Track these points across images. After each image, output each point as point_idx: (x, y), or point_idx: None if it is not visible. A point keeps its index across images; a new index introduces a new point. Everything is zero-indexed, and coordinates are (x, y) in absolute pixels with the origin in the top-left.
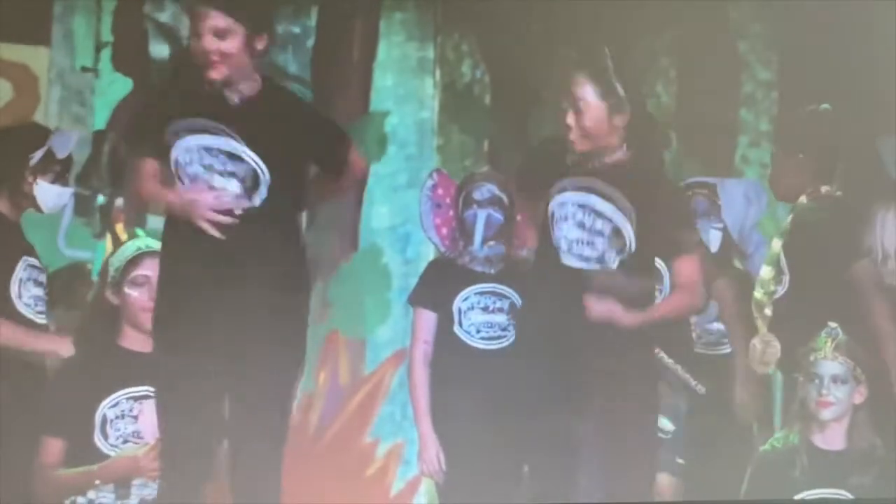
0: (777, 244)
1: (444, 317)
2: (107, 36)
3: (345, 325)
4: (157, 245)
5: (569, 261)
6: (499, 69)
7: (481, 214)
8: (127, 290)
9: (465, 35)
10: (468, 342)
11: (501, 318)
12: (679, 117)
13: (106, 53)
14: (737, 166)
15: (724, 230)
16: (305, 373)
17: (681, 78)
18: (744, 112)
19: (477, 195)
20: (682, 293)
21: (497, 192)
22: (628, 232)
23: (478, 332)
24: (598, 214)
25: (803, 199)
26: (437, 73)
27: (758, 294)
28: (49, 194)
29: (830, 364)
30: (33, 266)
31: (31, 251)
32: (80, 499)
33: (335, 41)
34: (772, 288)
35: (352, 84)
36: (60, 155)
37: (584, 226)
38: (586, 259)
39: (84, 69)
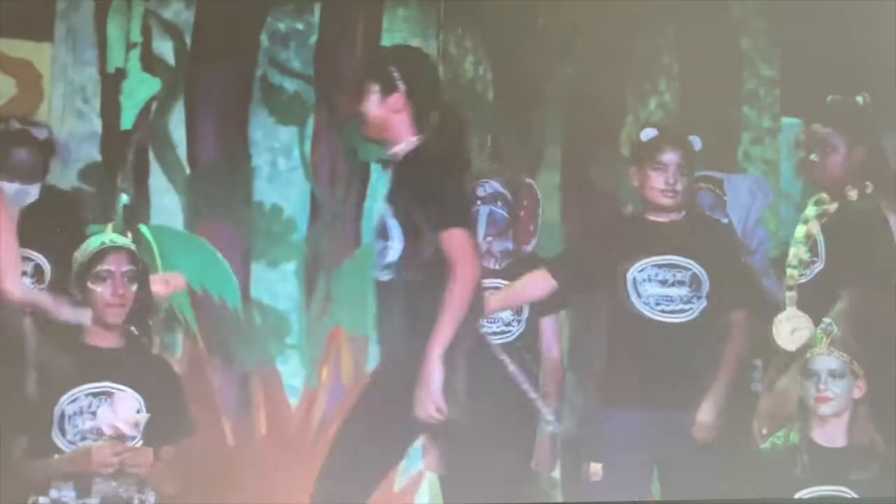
0: (815, 226)
1: None
2: (136, 37)
3: (347, 322)
4: (120, 240)
5: None
6: (501, 66)
7: (483, 210)
8: (90, 284)
9: (467, 31)
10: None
11: (505, 314)
12: (681, 114)
13: (135, 54)
14: (739, 163)
15: (730, 225)
16: (308, 369)
17: (683, 75)
18: (746, 109)
19: (480, 191)
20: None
21: (500, 188)
22: None
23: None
24: None
25: (853, 192)
26: (440, 69)
27: (789, 271)
28: (15, 197)
29: (827, 359)
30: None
31: None
32: (41, 498)
33: (338, 38)
34: (804, 269)
35: (354, 81)
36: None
37: None
38: None
39: (118, 70)
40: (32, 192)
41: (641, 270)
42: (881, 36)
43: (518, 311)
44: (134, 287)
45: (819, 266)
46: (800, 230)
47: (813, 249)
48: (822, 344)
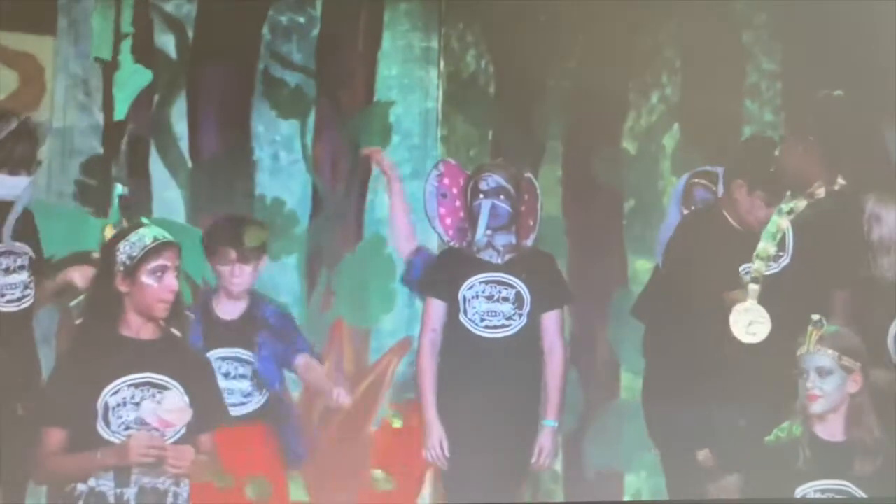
0: (785, 221)
1: (452, 305)
2: (127, 28)
3: (349, 314)
4: (169, 236)
5: None
6: (503, 59)
7: (486, 204)
8: (144, 279)
9: (469, 25)
10: (472, 330)
11: (507, 308)
12: (683, 108)
13: (126, 45)
14: None
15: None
16: None
17: (685, 69)
18: (748, 103)
19: (483, 185)
20: None
21: (504, 182)
22: None
23: (482, 320)
24: None
25: (821, 190)
26: (442, 63)
27: (756, 264)
28: (27, 190)
29: (815, 357)
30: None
31: None
32: (80, 486)
33: (340, 31)
34: (770, 263)
35: (356, 74)
36: None
37: None
38: None
39: (97, 59)
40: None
41: None
42: (883, 30)
43: (520, 306)
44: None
45: (786, 261)
46: (772, 224)
47: (781, 244)
48: (810, 341)
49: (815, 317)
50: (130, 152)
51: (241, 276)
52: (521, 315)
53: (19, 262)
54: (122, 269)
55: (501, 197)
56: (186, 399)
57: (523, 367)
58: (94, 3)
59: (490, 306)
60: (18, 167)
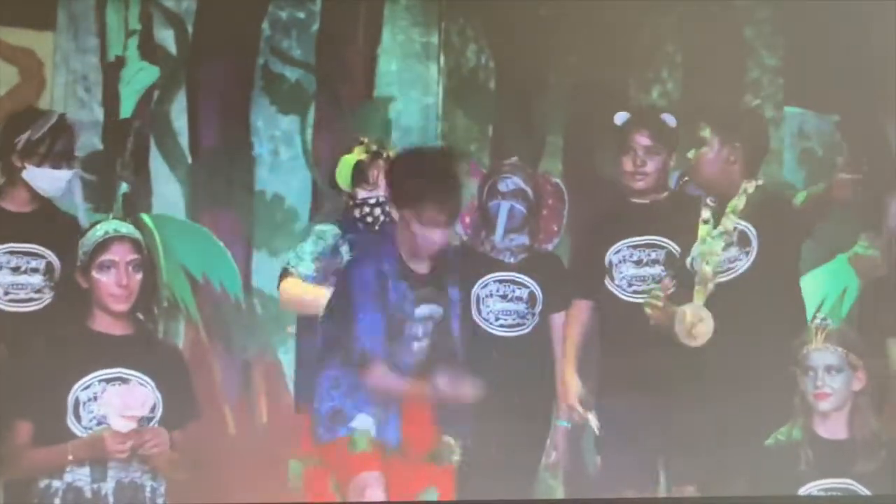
0: (730, 221)
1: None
2: (134, 24)
3: None
4: (125, 229)
5: None
6: (503, 54)
7: (504, 206)
8: (95, 274)
9: (469, 20)
10: (486, 329)
11: (521, 307)
12: (684, 103)
13: (133, 41)
14: None
15: None
16: None
17: (686, 64)
18: (749, 98)
19: (502, 187)
20: None
21: (522, 184)
22: None
23: (496, 319)
24: None
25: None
26: (442, 58)
27: (706, 266)
28: (40, 179)
29: (823, 354)
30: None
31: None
32: (55, 482)
33: (340, 26)
34: (717, 262)
35: (356, 69)
36: (34, 137)
37: None
38: None
39: (116, 58)
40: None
41: (618, 252)
42: (884, 25)
43: (532, 305)
44: (139, 276)
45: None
46: (722, 225)
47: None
48: (817, 339)
49: (821, 315)
50: (135, 150)
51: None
52: (533, 315)
53: (33, 263)
54: (79, 264)
55: (519, 199)
56: (153, 391)
57: (536, 366)
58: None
59: (504, 306)
60: (60, 161)
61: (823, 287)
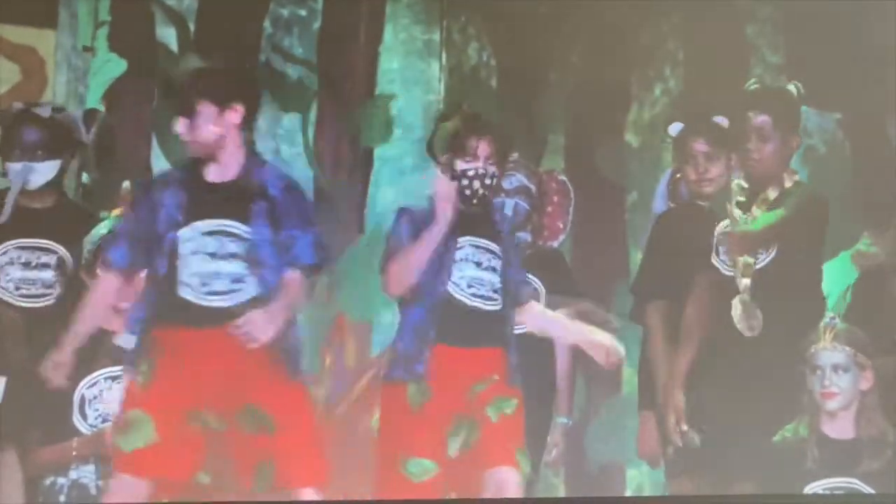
0: (772, 215)
1: None
2: (104, 15)
3: (351, 308)
4: None
5: None
6: (505, 52)
7: (508, 203)
8: (99, 271)
9: (471, 18)
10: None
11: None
12: (686, 101)
13: (102, 32)
14: None
15: None
16: (311, 355)
17: (688, 61)
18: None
19: (506, 184)
20: None
21: (526, 181)
22: None
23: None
24: None
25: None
26: (444, 56)
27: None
28: (19, 174)
29: (830, 353)
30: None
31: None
32: (60, 479)
33: (341, 24)
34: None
35: (358, 67)
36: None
37: None
38: None
39: (84, 48)
40: (42, 171)
41: None
42: (886, 23)
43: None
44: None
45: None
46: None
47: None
48: (825, 338)
49: (830, 314)
50: (99, 141)
51: None
52: None
53: (44, 259)
54: (83, 262)
55: (523, 196)
56: None
57: (537, 363)
58: None
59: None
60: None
61: (827, 284)
